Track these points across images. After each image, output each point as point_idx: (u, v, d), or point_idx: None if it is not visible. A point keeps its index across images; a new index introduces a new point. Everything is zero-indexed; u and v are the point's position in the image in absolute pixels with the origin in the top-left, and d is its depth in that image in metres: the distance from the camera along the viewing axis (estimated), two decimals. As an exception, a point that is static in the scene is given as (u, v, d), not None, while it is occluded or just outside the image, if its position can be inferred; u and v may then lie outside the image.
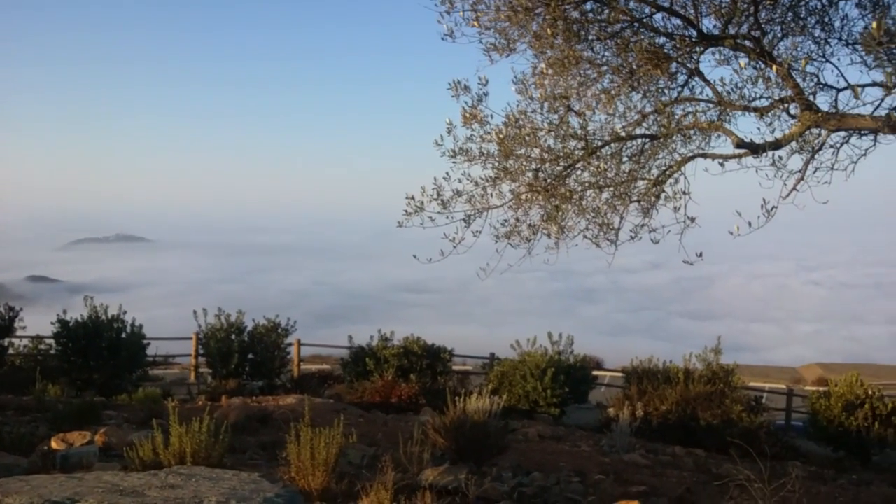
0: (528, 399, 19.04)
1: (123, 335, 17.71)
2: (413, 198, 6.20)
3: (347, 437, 10.32)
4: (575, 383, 19.75)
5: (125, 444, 7.80)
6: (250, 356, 20.18)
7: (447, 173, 6.37)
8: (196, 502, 3.68)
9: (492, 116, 6.24)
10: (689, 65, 6.19)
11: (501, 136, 6.12)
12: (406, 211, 6.26)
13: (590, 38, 5.73)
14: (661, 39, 5.87)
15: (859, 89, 5.30)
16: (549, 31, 5.40)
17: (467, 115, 6.12)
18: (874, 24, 4.80)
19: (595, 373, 25.40)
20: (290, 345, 22.10)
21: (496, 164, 6.30)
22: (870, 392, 18.51)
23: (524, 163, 6.23)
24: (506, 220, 6.54)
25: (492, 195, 6.40)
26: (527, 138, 6.06)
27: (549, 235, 6.36)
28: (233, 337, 20.05)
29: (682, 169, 6.16)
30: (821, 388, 21.76)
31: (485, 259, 6.65)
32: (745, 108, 5.80)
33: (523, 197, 6.34)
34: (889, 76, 4.95)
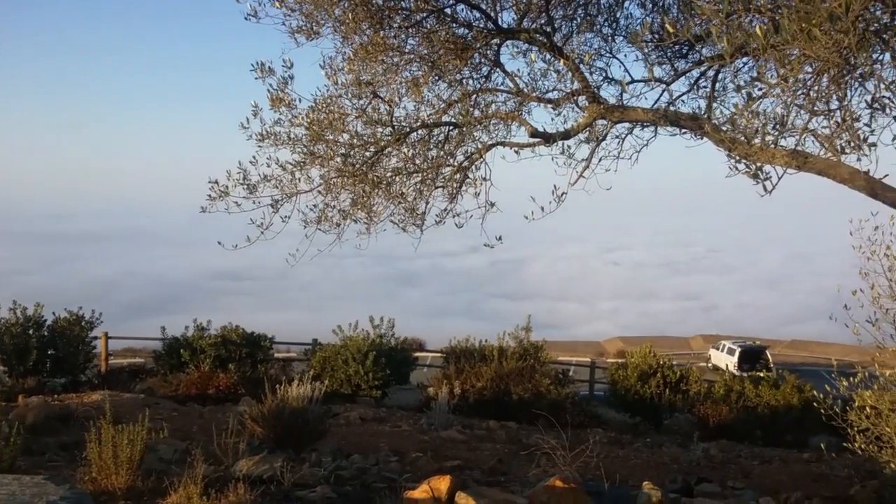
0: (350, 383, 19.15)
1: None
2: (217, 182, 6.03)
3: (158, 432, 9.86)
4: (396, 365, 20.06)
5: None
6: (51, 352, 18.67)
7: (254, 157, 6.23)
8: (-33, 511, 3.40)
9: (300, 100, 6.18)
10: (490, 56, 6.46)
11: (309, 120, 6.08)
12: (210, 196, 6.07)
13: (395, 25, 5.82)
14: (463, 30, 6.08)
15: (627, 84, 5.81)
16: (351, 16, 5.43)
17: (274, 99, 6.01)
18: (643, 24, 5.31)
19: (417, 354, 25.92)
20: (96, 338, 20.65)
21: (304, 148, 6.25)
22: (661, 362, 20.33)
23: (333, 148, 6.23)
24: (315, 206, 6.52)
25: (300, 180, 6.35)
26: (335, 123, 6.06)
27: (355, 221, 6.41)
28: (30, 332, 18.45)
29: (484, 156, 6.43)
30: (620, 360, 23.61)
31: (305, 245, 6.58)
32: (541, 100, 6.15)
33: (333, 182, 6.34)
34: (651, 72, 5.47)
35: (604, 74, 6.45)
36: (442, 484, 7.67)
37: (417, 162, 6.46)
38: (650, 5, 6.37)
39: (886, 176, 4.72)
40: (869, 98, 3.37)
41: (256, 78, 5.88)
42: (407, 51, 5.99)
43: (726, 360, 39.82)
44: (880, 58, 3.23)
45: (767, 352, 40.13)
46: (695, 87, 6.23)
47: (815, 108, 3.41)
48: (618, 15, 6.47)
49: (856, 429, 7.24)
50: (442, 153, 6.52)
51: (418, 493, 7.65)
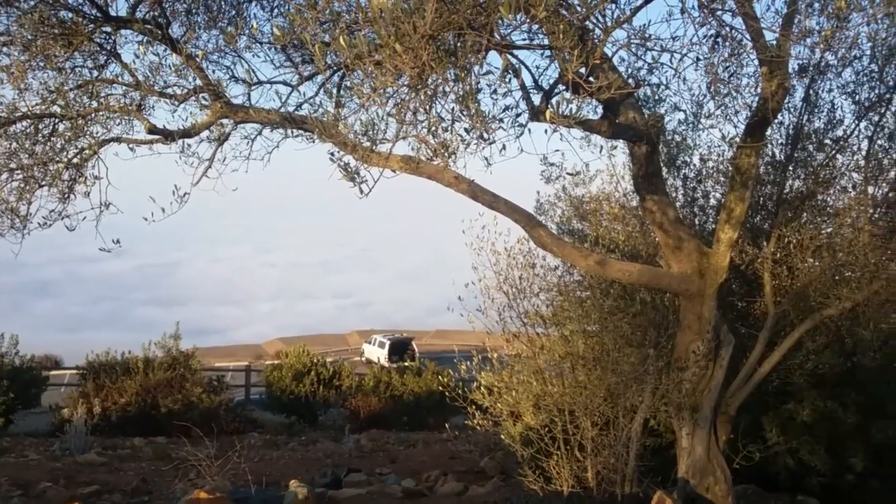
0: (-37, 412, 16.63)
1: None
2: None
3: None
4: (23, 387, 17.95)
5: None
6: None
7: None
8: None
9: None
10: (106, 45, 5.99)
11: None
12: None
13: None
14: (68, 14, 5.55)
15: (253, 85, 5.84)
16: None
17: None
18: (236, 24, 5.41)
19: (52, 373, 23.60)
20: None
21: None
22: (315, 360, 20.83)
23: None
24: None
25: None
26: None
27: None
28: None
29: (98, 153, 5.96)
30: (276, 362, 23.70)
31: None
32: (161, 95, 5.87)
33: None
34: (250, 74, 5.58)
35: (230, 73, 6.37)
36: (68, 514, 7.00)
37: (21, 157, 5.75)
38: (270, 8, 6.45)
39: (473, 180, 5.39)
40: (448, 111, 3.80)
41: None
42: (1, 32, 5.29)
43: (378, 354, 41.94)
44: (453, 74, 3.65)
45: (414, 343, 43.05)
46: (321, 92, 6.42)
47: (405, 118, 3.73)
48: (242, 14, 6.42)
49: (475, 407, 8.07)
50: (49, 148, 5.89)
51: (36, 529, 6.88)
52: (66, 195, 5.95)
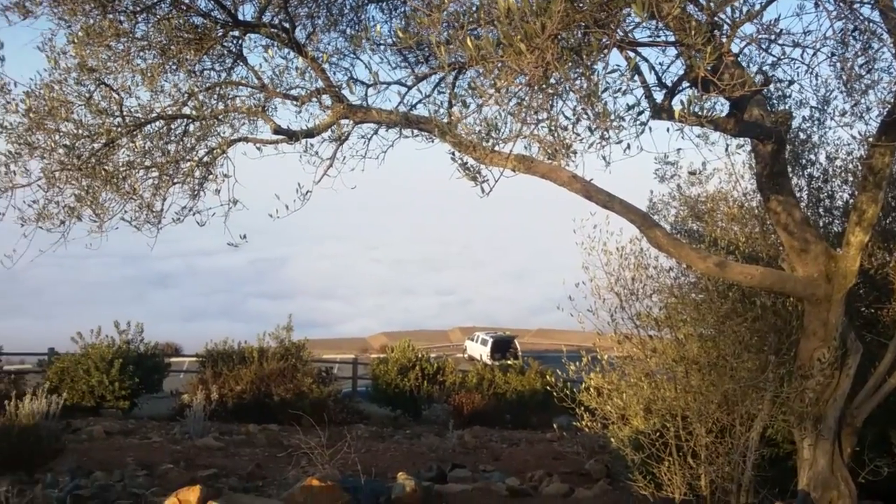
0: (93, 394, 17.79)
1: None
2: None
3: None
4: (147, 373, 18.95)
5: None
6: None
7: (-43, 145, 5.51)
8: None
9: (15, 84, 5.58)
10: (233, 49, 6.28)
11: (27, 106, 5.50)
12: None
13: (124, 9, 5.44)
14: (200, 20, 5.84)
15: (370, 86, 5.97)
16: (71, -5, 5.00)
17: (-20, 81, 5.36)
18: (363, 27, 5.52)
19: (173, 360, 24.76)
20: None
21: (20, 137, 5.64)
22: (419, 355, 21.10)
23: (55, 138, 5.69)
24: (35, 202, 5.90)
25: (15, 173, 5.72)
26: (56, 111, 5.53)
27: (79, 218, 5.91)
28: None
29: (226, 152, 6.24)
30: (381, 355, 24.16)
31: (24, 245, 5.90)
32: (285, 97, 6.08)
33: (55, 176, 5.78)
34: (375, 76, 5.67)
35: (349, 75, 6.55)
36: (191, 495, 7.34)
37: (155, 156, 6.10)
38: (389, 10, 6.58)
39: (592, 179, 5.33)
40: (570, 109, 3.77)
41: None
42: (139, 37, 5.63)
43: (480, 351, 42.08)
44: (576, 73, 3.61)
45: (516, 341, 42.95)
46: (436, 91, 6.51)
47: (526, 118, 3.72)
48: (361, 17, 6.59)
49: (583, 409, 7.97)
50: (181, 147, 6.22)
51: (164, 508, 7.25)
52: (196, 192, 6.27)
